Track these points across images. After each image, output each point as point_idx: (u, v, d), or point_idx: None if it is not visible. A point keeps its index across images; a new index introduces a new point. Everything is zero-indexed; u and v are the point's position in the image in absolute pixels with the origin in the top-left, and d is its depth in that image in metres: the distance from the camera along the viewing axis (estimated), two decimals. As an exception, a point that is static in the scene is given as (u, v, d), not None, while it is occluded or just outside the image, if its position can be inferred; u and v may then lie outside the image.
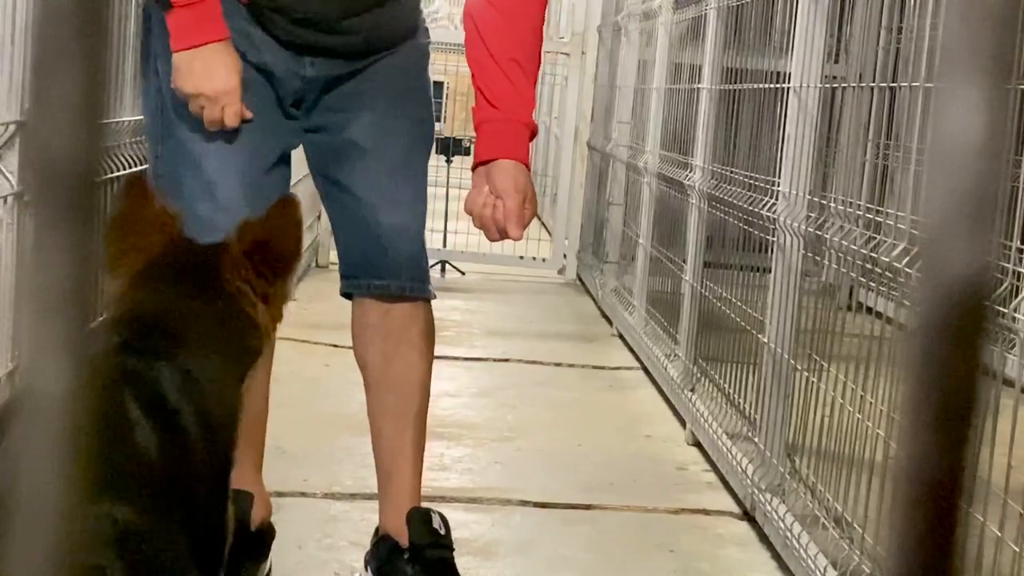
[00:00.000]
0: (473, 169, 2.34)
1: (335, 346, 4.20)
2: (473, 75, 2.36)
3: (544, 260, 7.11)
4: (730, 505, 3.21)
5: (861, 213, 2.60)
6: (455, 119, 13.30)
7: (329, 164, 2.47)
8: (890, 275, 2.34)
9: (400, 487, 2.42)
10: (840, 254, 2.63)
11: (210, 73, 2.24)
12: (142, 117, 2.49)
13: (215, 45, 2.24)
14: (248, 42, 2.32)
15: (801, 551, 2.62)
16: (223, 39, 2.25)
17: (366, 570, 2.45)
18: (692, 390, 3.88)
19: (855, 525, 2.47)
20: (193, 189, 2.32)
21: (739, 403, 3.44)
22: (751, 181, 3.39)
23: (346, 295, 2.49)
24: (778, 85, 3.18)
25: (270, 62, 2.35)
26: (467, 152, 7.58)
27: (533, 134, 2.34)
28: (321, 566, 2.61)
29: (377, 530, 2.46)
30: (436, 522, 2.42)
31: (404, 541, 2.39)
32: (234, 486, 1.70)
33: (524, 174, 2.31)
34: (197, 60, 2.24)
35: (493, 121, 2.32)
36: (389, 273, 2.41)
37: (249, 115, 2.29)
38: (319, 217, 6.23)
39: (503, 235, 2.29)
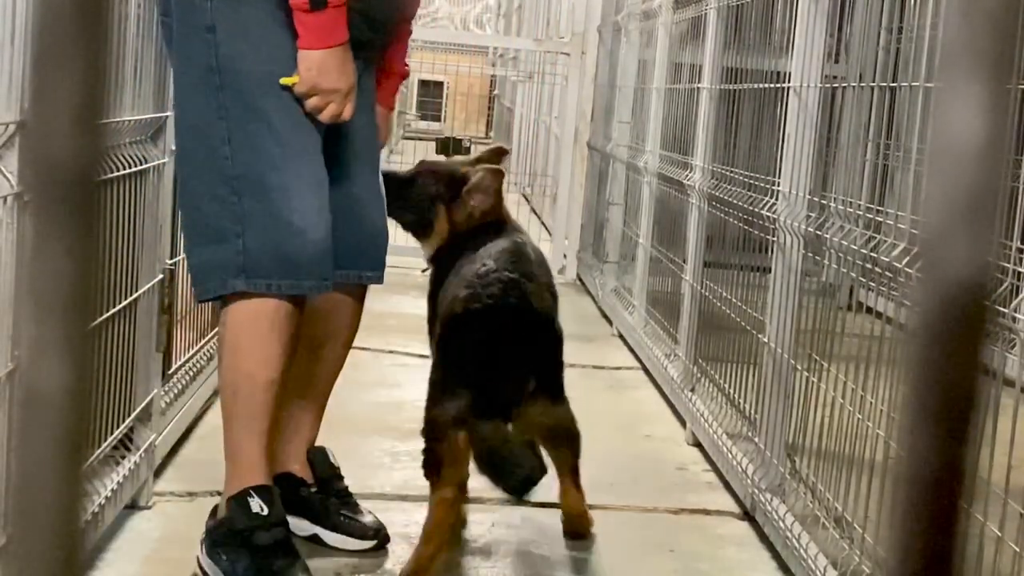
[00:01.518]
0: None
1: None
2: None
3: (544, 260, 7.10)
4: (730, 505, 3.21)
5: (861, 213, 2.60)
6: (455, 119, 13.29)
7: (325, 158, 2.56)
8: (890, 275, 2.34)
9: (307, 437, 2.77)
10: (840, 254, 2.62)
11: (347, 70, 2.40)
12: (160, 113, 2.53)
13: (346, 45, 2.41)
14: None
15: (801, 551, 2.62)
16: (348, 40, 2.41)
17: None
18: (692, 390, 3.88)
19: (855, 525, 2.46)
20: (292, 189, 2.42)
21: (739, 403, 3.44)
22: (751, 181, 3.39)
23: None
24: (778, 85, 3.18)
25: None
26: (467, 151, 7.58)
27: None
28: (324, 562, 2.61)
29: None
30: (332, 457, 2.80)
31: (308, 477, 2.75)
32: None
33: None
34: (335, 58, 2.38)
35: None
36: (378, 265, 2.72)
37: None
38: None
39: None
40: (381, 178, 2.75)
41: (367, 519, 2.73)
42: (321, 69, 2.35)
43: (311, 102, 2.39)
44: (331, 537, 2.71)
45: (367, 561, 2.67)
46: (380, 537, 2.71)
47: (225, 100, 2.39)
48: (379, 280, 2.74)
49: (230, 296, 2.44)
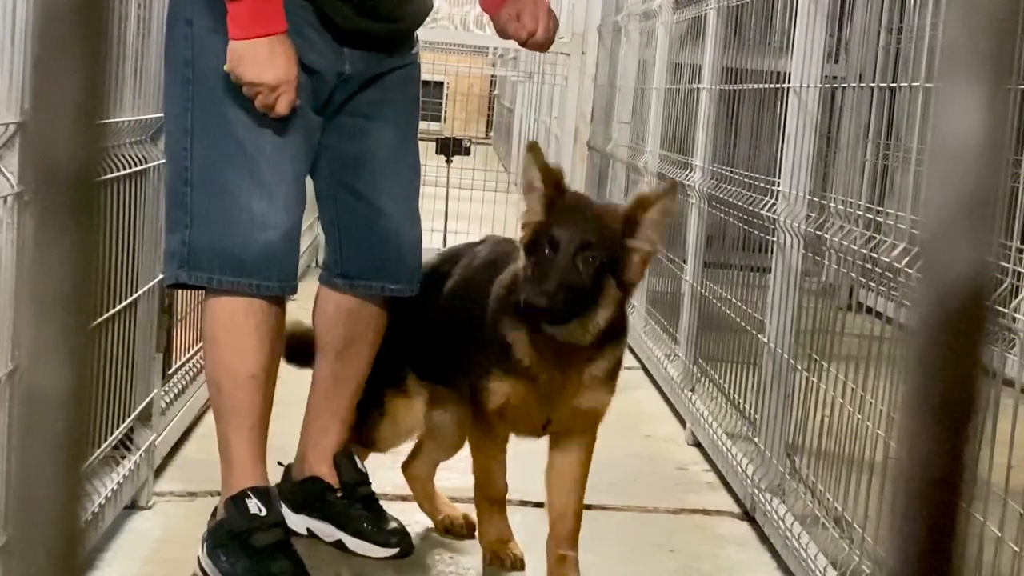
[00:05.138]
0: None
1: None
2: None
3: (544, 260, 7.08)
4: (730, 505, 3.21)
5: (861, 213, 2.60)
6: (455, 119, 13.28)
7: (346, 171, 2.59)
8: (890, 275, 2.34)
9: (334, 440, 2.75)
10: (840, 254, 2.62)
11: (274, 63, 2.31)
12: (161, 114, 2.53)
13: (280, 36, 2.33)
14: (299, 41, 2.39)
15: (801, 551, 2.62)
16: (285, 31, 2.33)
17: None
18: (692, 390, 3.88)
19: (855, 525, 2.46)
20: (245, 187, 2.40)
21: (739, 403, 3.44)
22: (751, 181, 3.39)
23: (329, 286, 2.69)
24: (778, 85, 3.18)
25: (315, 61, 2.43)
26: (467, 152, 7.56)
27: None
28: (327, 562, 2.61)
29: (287, 475, 2.80)
30: (359, 462, 2.78)
31: (335, 482, 2.74)
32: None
33: None
34: (261, 49, 2.31)
35: None
36: (405, 278, 2.66)
37: (297, 103, 2.38)
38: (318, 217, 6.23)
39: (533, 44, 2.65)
40: (416, 192, 2.70)
41: (391, 526, 2.72)
42: (242, 60, 2.30)
43: (244, 91, 2.35)
44: (354, 543, 2.69)
45: (372, 563, 2.67)
46: (403, 545, 2.69)
47: (193, 93, 2.40)
48: (404, 292, 2.66)
49: (210, 290, 2.46)
